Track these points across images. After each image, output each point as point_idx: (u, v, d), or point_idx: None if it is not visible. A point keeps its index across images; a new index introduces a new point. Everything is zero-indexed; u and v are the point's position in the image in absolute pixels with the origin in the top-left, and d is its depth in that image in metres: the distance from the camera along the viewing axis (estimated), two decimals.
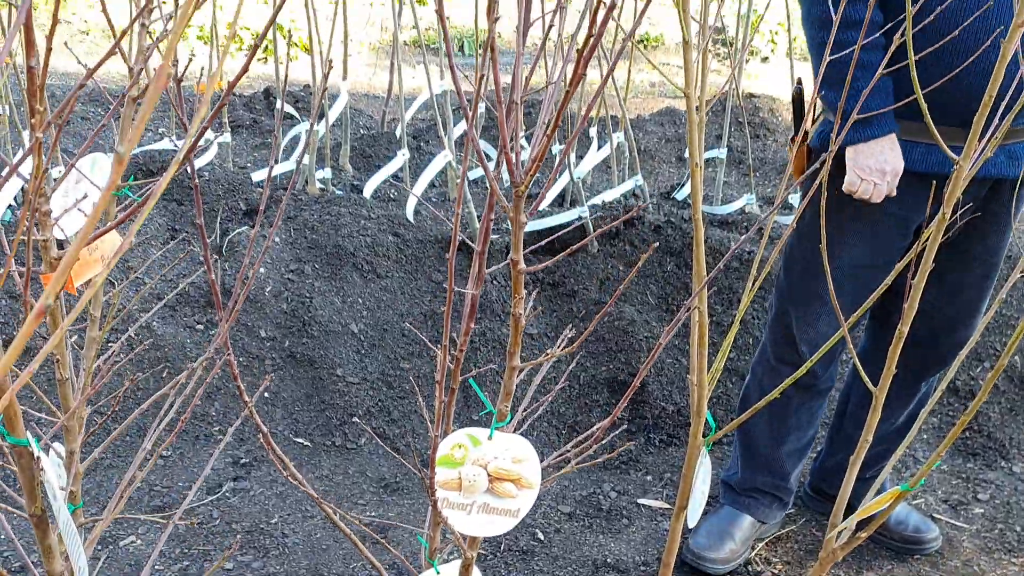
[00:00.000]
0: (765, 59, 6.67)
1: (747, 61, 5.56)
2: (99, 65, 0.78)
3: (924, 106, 1.02)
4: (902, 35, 1.10)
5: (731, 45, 5.95)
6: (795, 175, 2.08)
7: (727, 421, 3.01)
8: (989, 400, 3.03)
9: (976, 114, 1.00)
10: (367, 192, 3.51)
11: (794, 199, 3.49)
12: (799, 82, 2.19)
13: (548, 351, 1.00)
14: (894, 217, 2.04)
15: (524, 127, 4.12)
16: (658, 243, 3.30)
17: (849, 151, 1.94)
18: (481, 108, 4.04)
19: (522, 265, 0.91)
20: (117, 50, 0.84)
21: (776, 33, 6.79)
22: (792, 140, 1.99)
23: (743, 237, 1.33)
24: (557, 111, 0.75)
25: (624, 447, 1.56)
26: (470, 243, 0.88)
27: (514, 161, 0.85)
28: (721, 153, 3.57)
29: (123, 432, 1.96)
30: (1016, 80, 0.99)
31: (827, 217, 2.06)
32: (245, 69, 0.88)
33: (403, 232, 3.30)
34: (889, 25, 1.71)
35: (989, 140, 1.05)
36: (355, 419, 2.79)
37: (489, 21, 0.72)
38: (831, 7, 1.82)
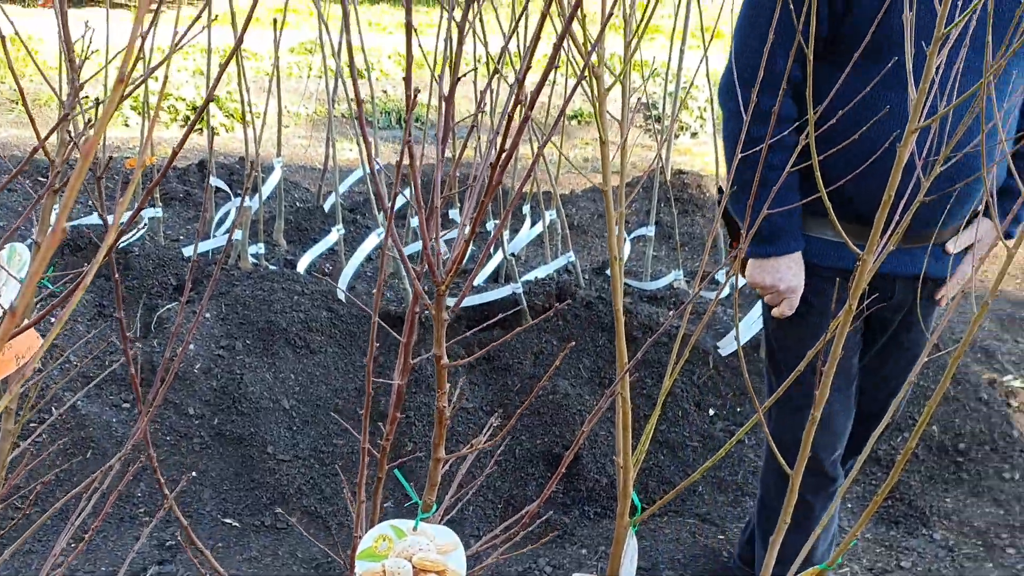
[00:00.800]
0: (694, 135, 6.89)
1: (676, 136, 5.74)
2: (23, 166, 0.80)
3: (828, 203, 1.08)
4: (807, 136, 1.16)
5: (660, 121, 6.13)
6: (741, 273, 2.08)
7: (659, 494, 3.04)
8: (909, 469, 3.12)
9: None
10: (301, 268, 3.51)
11: (720, 275, 3.59)
12: (719, 190, 2.21)
13: (474, 441, 1.02)
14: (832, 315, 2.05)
15: (456, 204, 4.17)
16: (590, 319, 3.36)
17: (748, 265, 1.96)
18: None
19: (445, 360, 0.93)
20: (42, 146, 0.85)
21: (704, 109, 7.03)
22: (730, 247, 2.03)
23: (674, 314, 1.37)
24: (475, 216, 0.79)
25: (553, 528, 1.57)
26: (424, 311, 0.90)
27: (435, 262, 0.88)
28: (649, 231, 3.67)
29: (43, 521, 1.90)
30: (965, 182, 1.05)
31: (787, 327, 2.07)
32: (180, 146, 0.91)
33: (337, 307, 3.30)
34: (799, 121, 1.77)
35: (890, 237, 1.11)
36: (285, 498, 2.76)
37: (406, 135, 0.76)
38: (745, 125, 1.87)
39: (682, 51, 3.81)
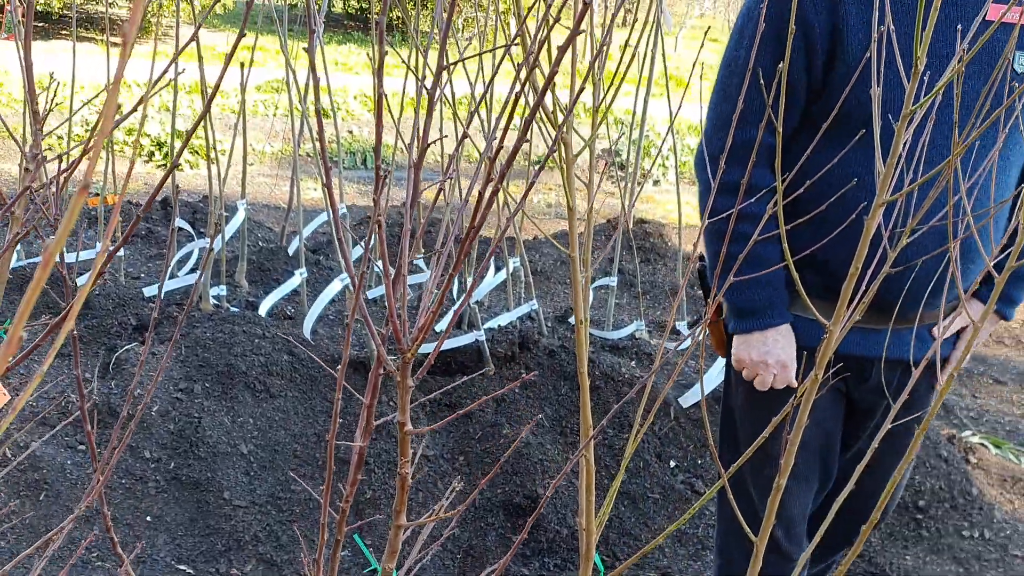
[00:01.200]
0: (656, 182, 6.98)
1: (640, 184, 5.82)
2: None
3: (796, 276, 1.09)
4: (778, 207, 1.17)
5: (624, 168, 6.21)
6: (716, 350, 2.04)
7: (619, 546, 3.03)
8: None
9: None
10: (262, 310, 3.48)
11: (681, 325, 3.62)
12: (701, 258, 2.09)
13: (435, 507, 1.01)
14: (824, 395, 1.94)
15: (422, 248, 4.18)
16: (552, 367, 3.36)
17: (735, 340, 1.88)
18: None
19: (409, 427, 0.93)
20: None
21: (667, 158, 7.13)
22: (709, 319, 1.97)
23: (648, 376, 1.38)
24: (442, 290, 0.79)
25: None
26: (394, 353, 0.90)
27: (400, 328, 0.88)
28: (612, 281, 3.70)
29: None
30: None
31: (759, 399, 1.94)
32: (156, 192, 0.90)
33: (298, 351, 3.27)
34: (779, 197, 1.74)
35: (855, 308, 1.13)
36: (241, 545, 2.71)
37: (376, 196, 0.76)
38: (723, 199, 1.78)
39: (646, 100, 3.87)
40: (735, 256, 1.78)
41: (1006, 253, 1.16)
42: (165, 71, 1.03)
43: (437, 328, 3.64)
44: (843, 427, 2.06)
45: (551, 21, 0.72)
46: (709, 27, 2.68)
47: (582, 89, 0.73)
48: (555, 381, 3.32)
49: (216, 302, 3.57)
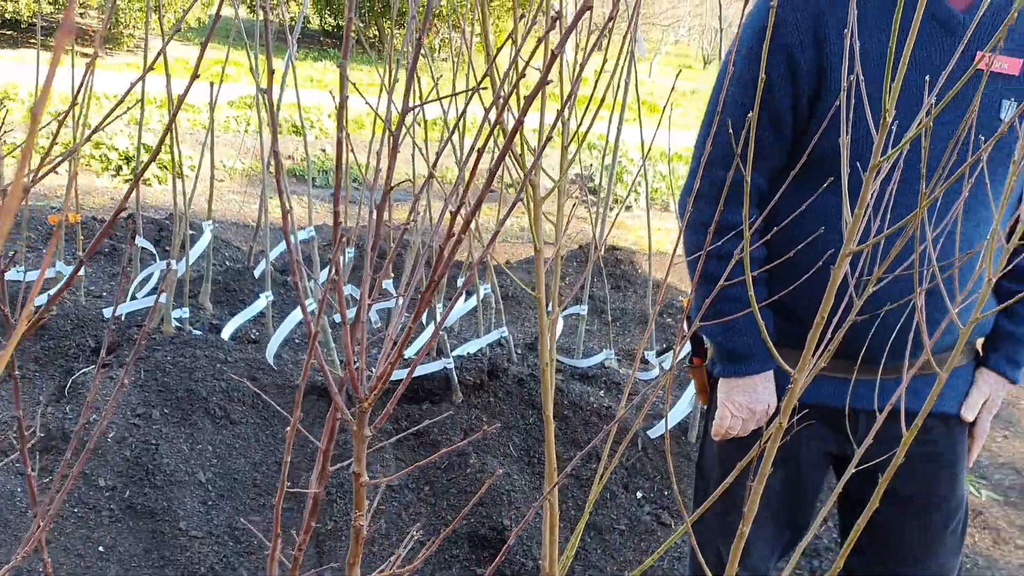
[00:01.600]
0: (628, 208, 6.98)
1: (611, 209, 5.81)
2: None
3: (761, 324, 1.06)
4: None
5: (596, 192, 6.19)
6: (699, 398, 1.99)
7: None
8: None
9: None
10: (225, 334, 3.41)
11: (649, 355, 3.59)
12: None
13: (391, 559, 0.97)
14: (804, 449, 1.88)
15: (392, 274, 4.13)
16: (521, 396, 3.32)
17: (721, 384, 1.83)
18: (351, 252, 4.04)
19: (365, 478, 0.88)
20: None
21: (639, 184, 7.13)
22: (691, 360, 1.89)
23: (622, 413, 1.34)
24: (401, 341, 0.75)
25: None
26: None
27: (357, 378, 0.84)
28: (583, 309, 3.67)
29: None
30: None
31: (733, 444, 1.89)
32: (119, 210, 0.85)
33: (261, 376, 3.21)
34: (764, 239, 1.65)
35: (820, 355, 1.10)
36: None
37: (334, 256, 0.72)
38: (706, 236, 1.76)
39: (620, 126, 3.84)
40: (726, 299, 1.74)
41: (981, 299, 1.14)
42: (131, 88, 0.99)
43: (407, 354, 3.59)
44: (847, 486, 1.97)
45: (520, 69, 0.69)
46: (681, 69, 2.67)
47: (550, 138, 0.70)
48: (523, 410, 3.28)
49: (178, 324, 3.50)
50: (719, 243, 1.72)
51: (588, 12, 0.71)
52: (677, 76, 2.02)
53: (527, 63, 0.74)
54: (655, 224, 4.16)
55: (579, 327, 3.76)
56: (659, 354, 3.51)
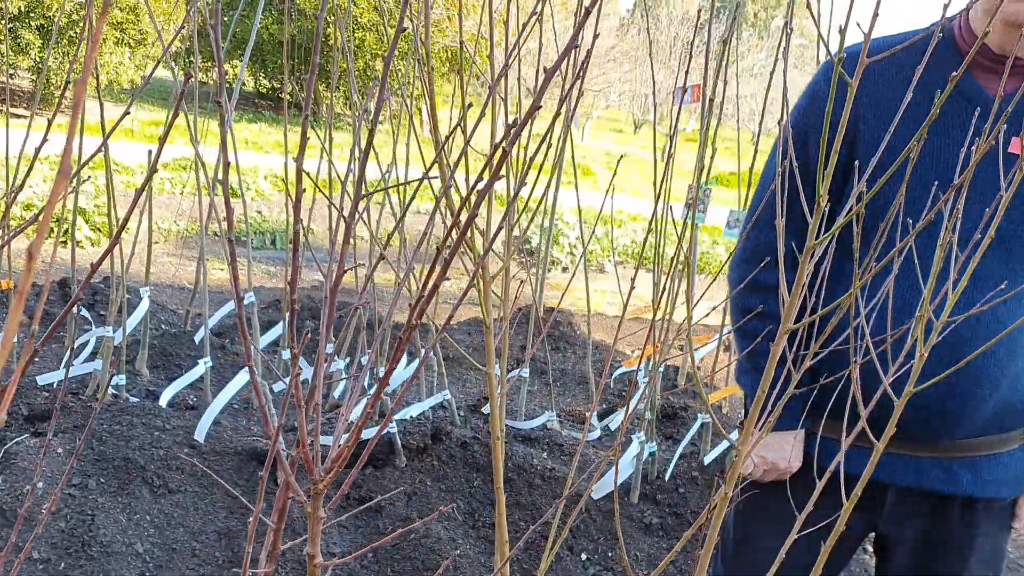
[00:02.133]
0: (565, 269, 7.07)
1: (548, 270, 5.89)
2: None
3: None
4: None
5: (533, 254, 6.28)
6: None
7: None
8: None
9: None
10: (163, 401, 3.37)
11: (592, 417, 3.63)
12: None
13: None
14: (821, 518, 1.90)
15: (333, 337, 4.12)
16: (465, 459, 3.33)
17: None
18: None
19: (319, 559, 0.90)
20: None
21: (575, 246, 7.25)
22: (741, 424, 1.95)
23: (579, 479, 1.37)
24: (356, 428, 0.78)
25: None
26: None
27: (312, 457, 0.87)
28: (524, 373, 3.70)
29: None
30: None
31: (751, 519, 1.92)
32: (47, 283, 0.86)
33: (200, 444, 3.16)
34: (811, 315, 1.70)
35: (763, 427, 1.15)
36: None
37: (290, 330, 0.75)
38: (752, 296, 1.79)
39: (556, 190, 3.93)
40: (763, 354, 1.77)
41: None
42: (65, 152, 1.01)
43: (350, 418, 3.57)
44: (882, 565, 1.95)
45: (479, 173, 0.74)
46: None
47: (500, 228, 0.74)
48: (468, 473, 3.28)
49: (115, 391, 3.44)
50: (757, 302, 1.77)
51: (536, 110, 0.77)
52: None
53: (479, 177, 0.78)
54: (592, 285, 4.24)
55: (521, 389, 3.80)
56: (601, 416, 3.56)
